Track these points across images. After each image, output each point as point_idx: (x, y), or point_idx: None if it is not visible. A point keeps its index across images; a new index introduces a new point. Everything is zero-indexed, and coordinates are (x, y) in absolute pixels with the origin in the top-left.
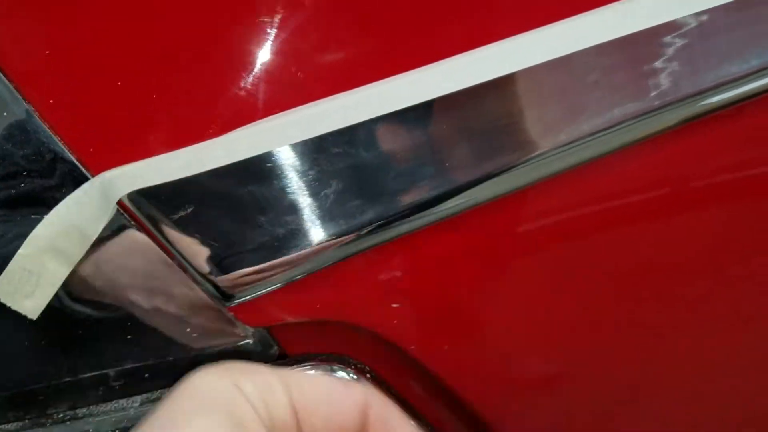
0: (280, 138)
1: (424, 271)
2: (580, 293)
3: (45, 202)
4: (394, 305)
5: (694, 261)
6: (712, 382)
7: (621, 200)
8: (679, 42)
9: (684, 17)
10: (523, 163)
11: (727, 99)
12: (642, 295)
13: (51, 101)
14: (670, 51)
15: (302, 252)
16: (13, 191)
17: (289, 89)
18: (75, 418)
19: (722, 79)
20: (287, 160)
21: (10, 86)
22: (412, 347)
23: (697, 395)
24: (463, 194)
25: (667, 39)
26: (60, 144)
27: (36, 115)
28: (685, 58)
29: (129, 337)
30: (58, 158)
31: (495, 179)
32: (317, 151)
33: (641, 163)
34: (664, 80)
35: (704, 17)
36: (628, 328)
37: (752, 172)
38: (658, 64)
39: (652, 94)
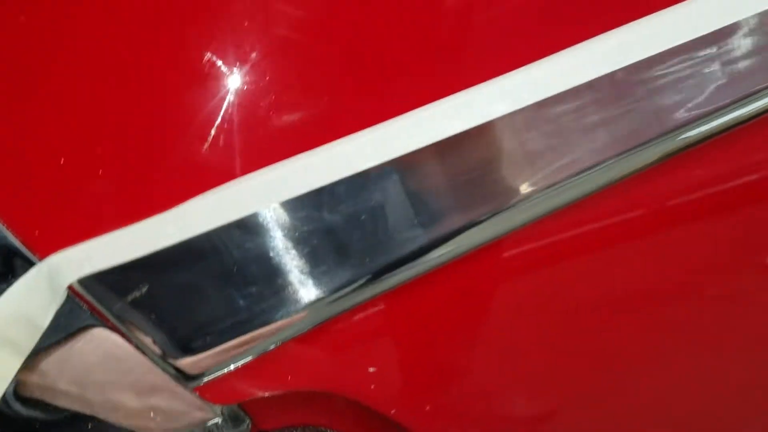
0: (236, 208)
1: (400, 332)
2: (567, 339)
3: None
4: (371, 369)
5: (678, 286)
6: (705, 402)
7: (601, 236)
8: (654, 80)
9: (658, 53)
10: (498, 212)
11: (705, 132)
12: (636, 326)
13: None
14: (645, 89)
15: (269, 326)
16: None
17: (243, 154)
18: None
19: (697, 113)
20: (246, 229)
21: None
22: (393, 411)
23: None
24: (436, 250)
25: (645, 76)
26: (1, 227)
27: None
28: (659, 96)
29: (90, 426)
30: (1, 243)
31: (470, 231)
32: (278, 218)
33: (622, 200)
34: (642, 118)
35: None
36: (618, 372)
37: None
38: (634, 102)
39: (631, 132)
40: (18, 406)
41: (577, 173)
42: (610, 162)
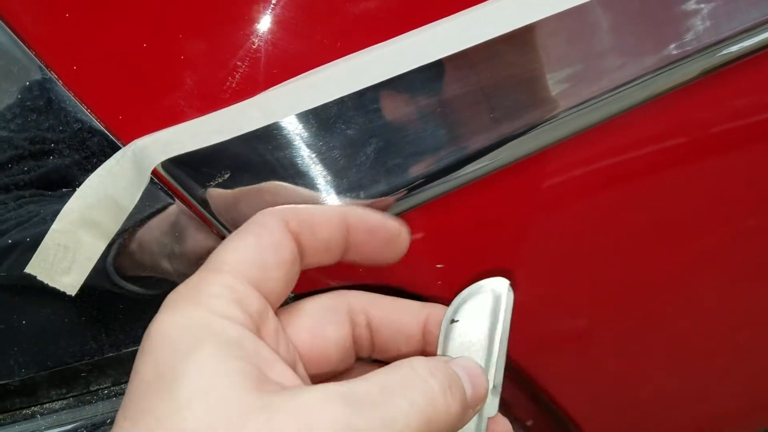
0: (319, 95)
1: (466, 230)
2: (600, 249)
3: (76, 175)
4: (438, 265)
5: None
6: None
7: (638, 155)
8: None
9: None
10: (541, 123)
11: (748, 47)
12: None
13: (74, 67)
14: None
15: None
16: (41, 166)
17: (324, 44)
18: (121, 393)
19: (742, 27)
20: (325, 119)
21: (31, 53)
22: None
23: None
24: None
25: None
26: (87, 112)
27: (59, 83)
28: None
29: None
30: (86, 128)
31: (517, 140)
32: (355, 108)
33: (656, 119)
34: (681, 32)
35: None
36: (645, 284)
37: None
38: (675, 13)
39: (671, 46)
40: (107, 275)
41: (620, 86)
42: (651, 76)
